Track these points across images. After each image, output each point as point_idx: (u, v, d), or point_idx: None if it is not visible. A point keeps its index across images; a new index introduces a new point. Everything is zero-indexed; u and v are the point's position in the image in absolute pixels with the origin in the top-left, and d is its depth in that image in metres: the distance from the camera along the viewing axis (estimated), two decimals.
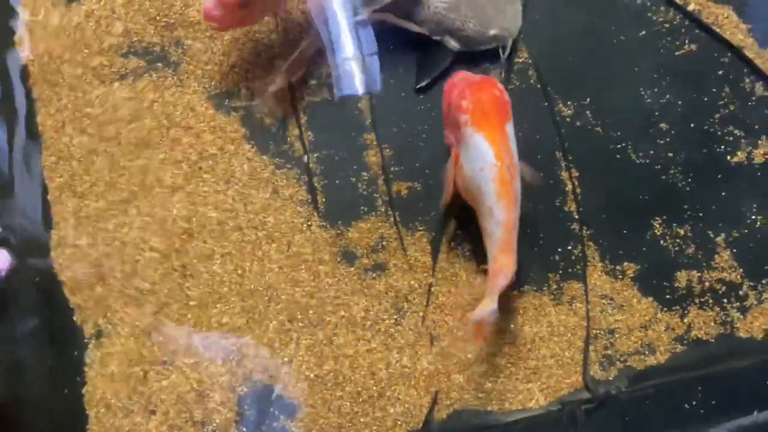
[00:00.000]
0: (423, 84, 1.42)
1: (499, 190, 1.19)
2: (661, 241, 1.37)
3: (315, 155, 1.40)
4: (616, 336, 1.32)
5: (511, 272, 1.20)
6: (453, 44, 1.40)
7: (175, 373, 1.29)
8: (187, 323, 1.31)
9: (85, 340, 1.31)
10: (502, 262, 1.20)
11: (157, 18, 1.43)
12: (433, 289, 1.34)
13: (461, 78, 1.29)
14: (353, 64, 1.44)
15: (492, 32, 1.37)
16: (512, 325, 1.32)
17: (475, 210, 1.26)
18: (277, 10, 1.42)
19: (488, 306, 1.17)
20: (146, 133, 1.39)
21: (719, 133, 1.41)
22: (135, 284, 1.32)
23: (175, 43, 1.42)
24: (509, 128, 1.23)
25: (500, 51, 1.41)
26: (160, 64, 1.42)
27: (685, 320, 1.33)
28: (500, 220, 1.19)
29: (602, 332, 1.32)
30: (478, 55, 1.42)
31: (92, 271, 1.33)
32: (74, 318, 1.32)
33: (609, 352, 1.31)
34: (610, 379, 1.29)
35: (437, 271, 1.34)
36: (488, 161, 1.19)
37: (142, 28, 1.43)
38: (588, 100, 1.43)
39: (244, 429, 1.26)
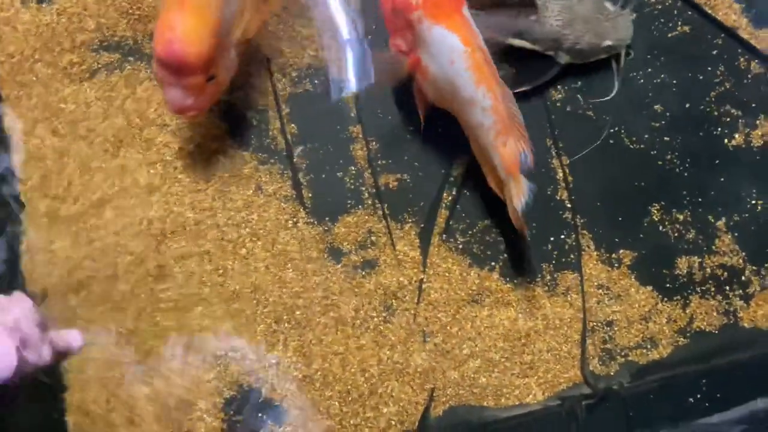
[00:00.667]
0: (522, 90, 1.34)
1: (476, 75, 1.12)
2: (660, 227, 1.33)
3: (299, 149, 1.35)
4: (615, 329, 1.28)
5: (524, 146, 1.14)
6: (564, 58, 1.34)
7: (157, 379, 1.23)
8: (168, 327, 1.26)
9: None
10: (509, 145, 1.14)
11: (130, 11, 1.38)
12: (424, 285, 1.29)
13: None
14: (349, 56, 1.39)
15: (606, 43, 1.33)
16: (506, 319, 1.27)
17: (456, 113, 1.20)
18: (237, 70, 1.30)
19: (521, 193, 1.13)
20: (119, 132, 1.34)
21: (716, 113, 1.38)
22: (115, 289, 1.27)
23: (149, 35, 1.37)
24: (466, 12, 1.16)
25: (613, 61, 1.36)
26: (132, 58, 1.37)
27: (687, 311, 1.29)
28: (487, 105, 1.13)
29: (600, 324, 1.28)
30: (588, 65, 1.37)
31: (70, 277, 1.28)
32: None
33: (608, 345, 1.27)
34: (612, 374, 1.26)
35: (428, 266, 1.30)
36: (456, 50, 1.12)
37: (114, 22, 1.37)
38: (578, 83, 1.38)
39: None
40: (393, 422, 1.23)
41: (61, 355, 0.91)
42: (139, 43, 1.37)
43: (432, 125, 1.35)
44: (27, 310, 0.86)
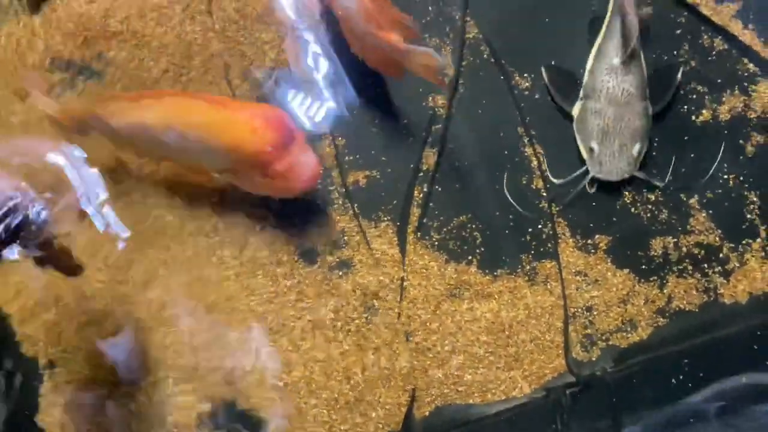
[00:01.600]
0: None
1: None
2: (632, 209, 1.32)
3: None
4: (595, 313, 1.27)
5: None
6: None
7: (135, 395, 1.20)
8: (143, 343, 1.22)
9: (40, 372, 1.22)
10: (385, 23, 1.16)
11: (77, 33, 1.35)
12: (404, 283, 1.27)
13: None
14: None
15: (587, 152, 1.30)
16: (487, 312, 1.25)
17: (334, 10, 1.26)
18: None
19: (429, 52, 1.16)
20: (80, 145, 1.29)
21: (682, 91, 1.37)
22: (87, 307, 1.23)
23: (97, 55, 1.34)
24: None
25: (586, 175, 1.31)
26: (82, 77, 1.34)
27: (665, 291, 1.28)
28: None
29: (580, 310, 1.27)
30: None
31: (45, 293, 1.24)
32: (24, 349, 1.23)
33: (589, 331, 1.26)
34: (594, 359, 1.24)
35: (406, 264, 1.27)
36: None
37: (62, 43, 1.34)
38: (545, 69, 1.36)
39: None
40: (381, 425, 1.20)
41: None
42: (88, 63, 1.34)
43: (397, 117, 1.34)
44: None
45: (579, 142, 1.31)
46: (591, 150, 1.29)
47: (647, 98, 1.32)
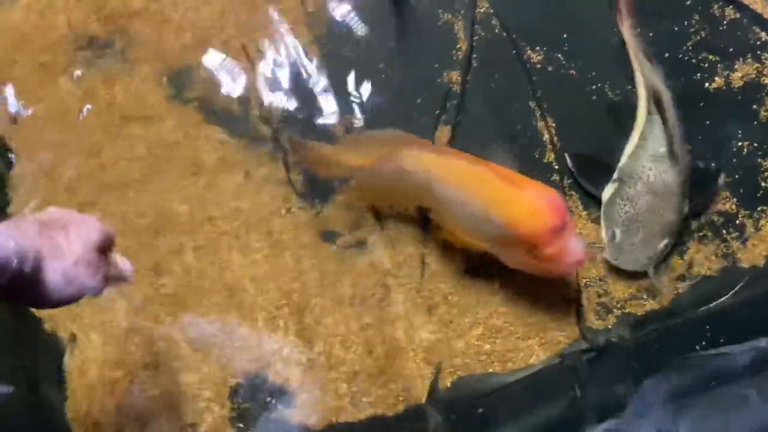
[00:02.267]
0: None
1: None
2: None
3: (285, 130, 1.35)
4: (609, 282, 1.26)
5: None
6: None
7: (162, 375, 1.23)
8: (166, 323, 1.25)
9: (61, 351, 1.24)
10: None
11: (99, 8, 1.38)
12: (426, 260, 1.29)
13: None
14: None
15: (606, 238, 1.27)
16: (505, 284, 1.27)
17: None
18: None
19: None
20: (102, 128, 1.33)
21: (694, 60, 1.37)
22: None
23: (121, 31, 1.37)
24: None
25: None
26: (108, 53, 1.37)
27: (686, 257, 1.28)
28: None
29: (593, 280, 1.27)
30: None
31: None
32: (45, 327, 1.26)
33: (604, 299, 1.26)
34: (609, 327, 1.24)
35: (427, 240, 1.29)
36: None
37: (83, 19, 1.38)
38: (557, 43, 1.38)
39: (241, 425, 1.21)
40: (401, 398, 1.22)
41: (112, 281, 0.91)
42: (112, 39, 1.37)
43: (413, 95, 1.37)
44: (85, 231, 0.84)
45: (602, 222, 1.28)
46: (613, 235, 1.26)
47: (686, 195, 1.28)
